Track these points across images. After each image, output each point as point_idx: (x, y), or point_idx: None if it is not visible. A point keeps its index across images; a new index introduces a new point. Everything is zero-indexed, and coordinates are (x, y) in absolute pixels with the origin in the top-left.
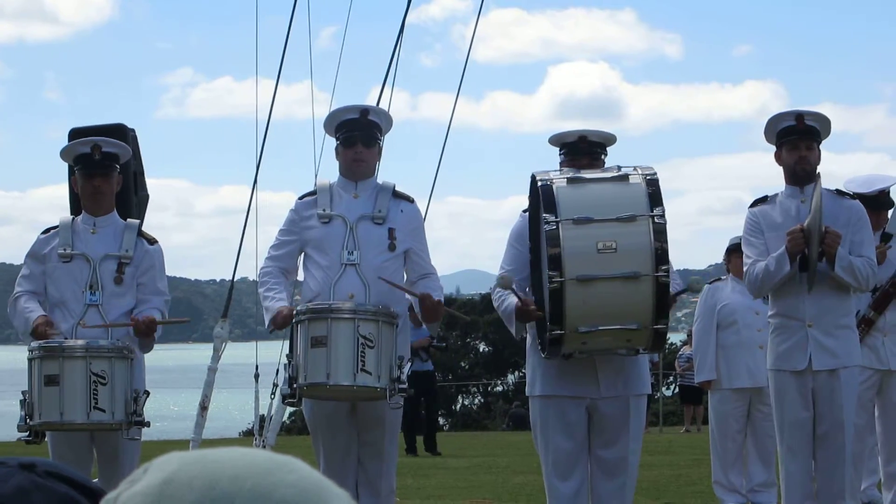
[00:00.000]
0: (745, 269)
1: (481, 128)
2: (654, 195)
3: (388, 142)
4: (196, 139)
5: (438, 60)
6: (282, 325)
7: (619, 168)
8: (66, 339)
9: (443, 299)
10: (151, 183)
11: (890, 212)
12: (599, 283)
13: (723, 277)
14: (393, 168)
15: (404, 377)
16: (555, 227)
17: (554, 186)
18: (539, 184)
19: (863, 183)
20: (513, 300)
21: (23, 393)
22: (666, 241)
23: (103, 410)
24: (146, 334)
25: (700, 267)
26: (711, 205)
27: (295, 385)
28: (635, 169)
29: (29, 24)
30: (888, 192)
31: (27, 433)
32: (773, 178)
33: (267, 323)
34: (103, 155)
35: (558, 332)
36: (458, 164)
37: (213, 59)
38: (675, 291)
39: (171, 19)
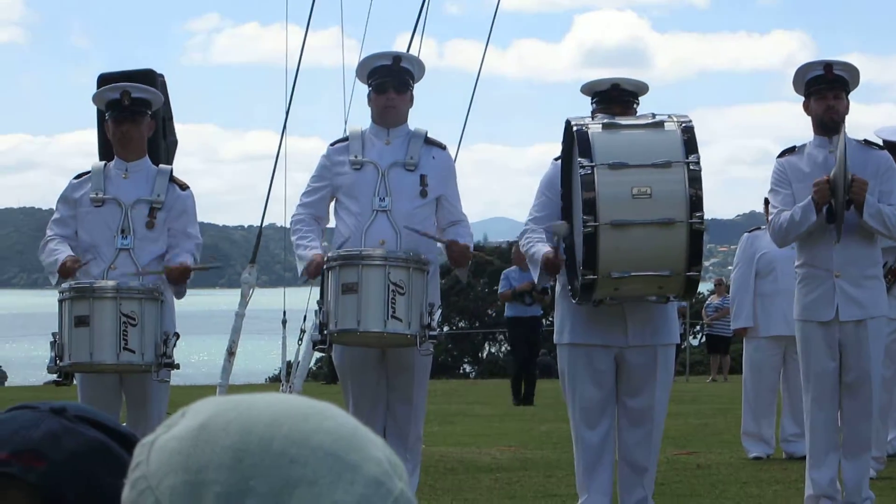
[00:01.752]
0: (769, 217)
1: (507, 76)
2: (689, 142)
3: (416, 89)
4: (222, 84)
5: (465, 8)
6: (314, 273)
7: (654, 115)
8: (96, 280)
9: (472, 245)
10: (178, 128)
11: None
12: (633, 228)
13: (762, 227)
14: (420, 115)
15: (435, 324)
16: (590, 171)
17: (589, 131)
18: (574, 129)
19: (892, 132)
20: (541, 247)
21: (53, 335)
22: (701, 189)
23: (133, 351)
24: (179, 281)
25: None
26: (738, 154)
27: (325, 331)
28: (670, 117)
29: None
30: None
31: (57, 374)
32: (800, 129)
33: (300, 272)
34: (133, 101)
35: (591, 276)
36: (485, 112)
37: (239, 4)
38: None
39: None
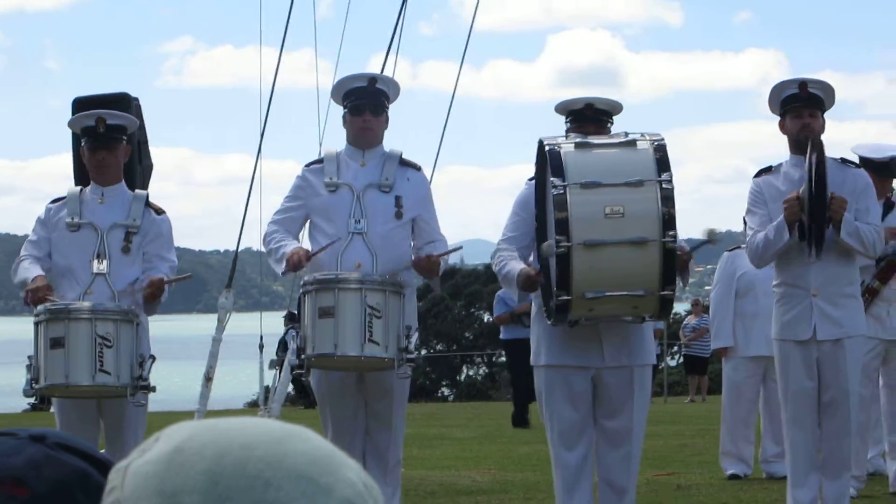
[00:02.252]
0: (746, 239)
1: (482, 96)
2: (661, 161)
3: (390, 110)
4: (196, 107)
5: (437, 29)
6: (296, 264)
7: (627, 134)
8: (71, 302)
9: (444, 252)
10: (153, 152)
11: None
12: (607, 248)
13: (742, 246)
14: (394, 136)
15: (412, 347)
16: (562, 191)
17: (562, 151)
18: (546, 148)
19: (874, 149)
20: (515, 265)
21: (28, 357)
22: (673, 207)
23: (109, 373)
24: (154, 297)
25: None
26: (713, 173)
27: (303, 356)
28: (643, 135)
29: None
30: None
31: (34, 397)
32: (774, 147)
33: (282, 268)
34: (108, 127)
35: (565, 297)
36: (459, 132)
37: (212, 27)
38: (692, 246)
39: None
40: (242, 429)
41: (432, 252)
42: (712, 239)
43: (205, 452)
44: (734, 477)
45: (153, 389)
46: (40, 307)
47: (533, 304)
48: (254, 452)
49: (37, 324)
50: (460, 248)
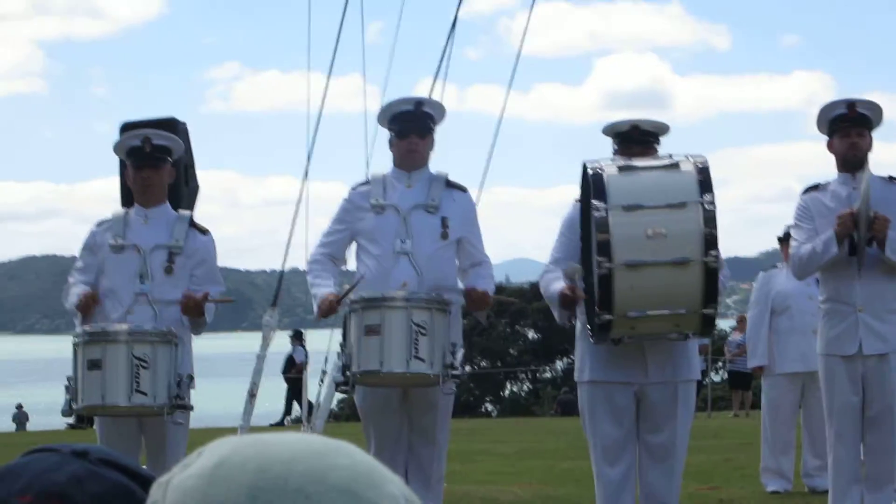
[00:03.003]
0: (790, 251)
1: (528, 119)
2: (704, 182)
3: (437, 134)
4: (242, 131)
5: (484, 53)
6: (327, 312)
7: (671, 156)
8: (110, 324)
9: (492, 288)
10: (199, 175)
11: None
12: (648, 268)
13: (778, 265)
14: (441, 160)
15: (457, 363)
16: (604, 213)
17: (604, 174)
18: (590, 172)
19: None
20: (558, 286)
21: (67, 378)
22: (715, 227)
23: (145, 394)
24: (193, 312)
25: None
26: (760, 193)
27: (348, 373)
28: (686, 157)
29: (76, 20)
30: None
31: (72, 417)
32: (821, 167)
33: (315, 311)
34: (153, 147)
35: (607, 317)
36: (506, 154)
37: (259, 53)
38: None
39: (217, 14)
40: (285, 444)
41: (479, 284)
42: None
43: (247, 467)
44: (775, 493)
45: (191, 408)
46: (79, 329)
47: (577, 321)
48: (296, 467)
49: (75, 346)
50: (515, 302)
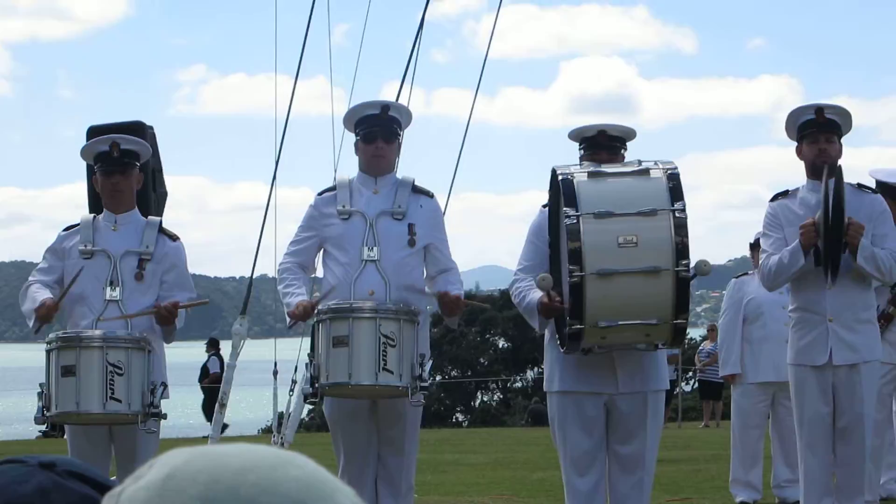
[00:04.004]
0: (760, 262)
1: (494, 123)
2: (675, 189)
3: (403, 138)
4: (209, 136)
5: (450, 56)
6: (299, 317)
7: (640, 162)
8: (83, 330)
9: (462, 293)
10: (166, 181)
11: None
12: (620, 277)
13: (749, 272)
14: (406, 164)
15: (426, 375)
16: (575, 221)
17: (574, 180)
18: (559, 178)
19: (891, 173)
20: (535, 295)
21: (40, 385)
22: (687, 236)
23: (119, 401)
24: (167, 320)
25: (720, 262)
26: (728, 199)
27: (317, 384)
28: (656, 163)
29: (42, 21)
30: None
31: (45, 425)
32: (789, 173)
33: (288, 322)
34: (122, 152)
35: (578, 326)
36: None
37: (225, 56)
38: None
39: (183, 16)
40: (236, 455)
41: (451, 289)
42: (702, 271)
43: (198, 478)
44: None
45: (164, 416)
46: (52, 334)
47: (546, 330)
48: (247, 477)
49: (48, 352)
50: (487, 307)
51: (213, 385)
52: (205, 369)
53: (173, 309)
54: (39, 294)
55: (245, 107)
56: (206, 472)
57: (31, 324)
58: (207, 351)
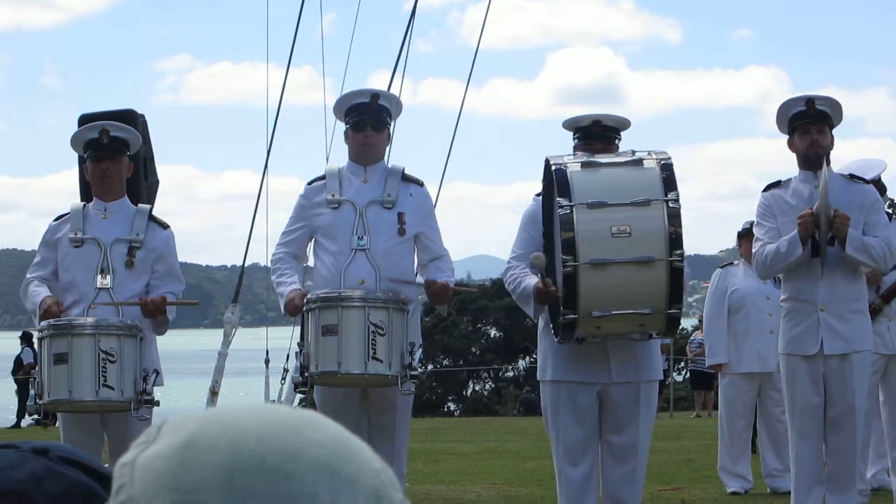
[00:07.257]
0: (753, 251)
1: (482, 114)
2: (668, 179)
3: (392, 127)
4: (195, 124)
5: (436, 47)
6: (293, 311)
7: (634, 153)
8: (75, 317)
9: (452, 280)
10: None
11: None
12: (613, 267)
13: (734, 262)
14: (394, 153)
15: (416, 363)
16: (569, 211)
17: (568, 171)
18: (553, 168)
19: (858, 169)
20: (530, 281)
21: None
22: (680, 226)
23: (112, 388)
24: (155, 315)
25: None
26: (716, 191)
27: (307, 373)
28: (649, 153)
29: (27, 10)
30: (880, 179)
31: (38, 413)
32: (777, 164)
33: (283, 312)
34: (111, 139)
35: (571, 316)
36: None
37: (210, 44)
38: None
39: (167, 4)
40: (254, 418)
41: (440, 276)
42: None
43: (219, 446)
44: (735, 494)
45: (157, 404)
46: (43, 322)
47: (540, 319)
48: (271, 444)
49: (41, 339)
50: (475, 291)
51: (25, 377)
52: (18, 361)
53: (160, 304)
54: (38, 293)
55: (231, 96)
56: (226, 439)
57: (35, 322)
58: (21, 343)
